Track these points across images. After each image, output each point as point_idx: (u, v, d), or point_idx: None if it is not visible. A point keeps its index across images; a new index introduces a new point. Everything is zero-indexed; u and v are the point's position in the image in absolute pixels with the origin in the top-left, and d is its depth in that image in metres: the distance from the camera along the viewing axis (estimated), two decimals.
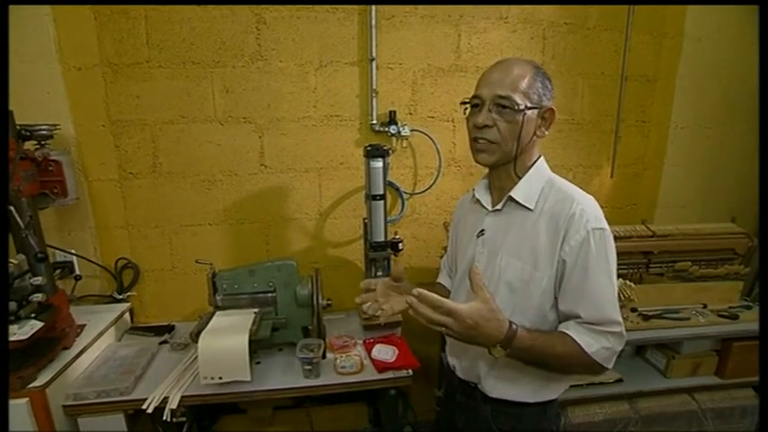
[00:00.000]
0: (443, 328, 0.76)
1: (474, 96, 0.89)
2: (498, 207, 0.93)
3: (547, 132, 0.90)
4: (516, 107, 0.83)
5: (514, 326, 0.79)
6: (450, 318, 0.74)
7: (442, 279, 1.20)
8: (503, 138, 0.86)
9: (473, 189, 1.03)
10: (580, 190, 0.88)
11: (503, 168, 0.92)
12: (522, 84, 0.84)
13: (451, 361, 1.04)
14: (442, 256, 1.25)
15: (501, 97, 0.84)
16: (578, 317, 0.82)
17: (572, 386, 1.49)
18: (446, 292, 1.16)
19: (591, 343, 0.81)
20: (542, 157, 0.94)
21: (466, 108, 0.92)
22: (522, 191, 0.89)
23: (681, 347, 1.59)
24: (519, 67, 0.86)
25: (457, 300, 1.01)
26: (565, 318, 0.86)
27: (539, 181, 0.90)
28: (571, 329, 0.82)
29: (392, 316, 1.47)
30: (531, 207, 0.88)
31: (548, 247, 0.84)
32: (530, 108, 0.84)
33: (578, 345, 0.80)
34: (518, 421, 0.93)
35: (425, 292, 0.74)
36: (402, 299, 1.02)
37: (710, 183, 1.94)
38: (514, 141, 0.86)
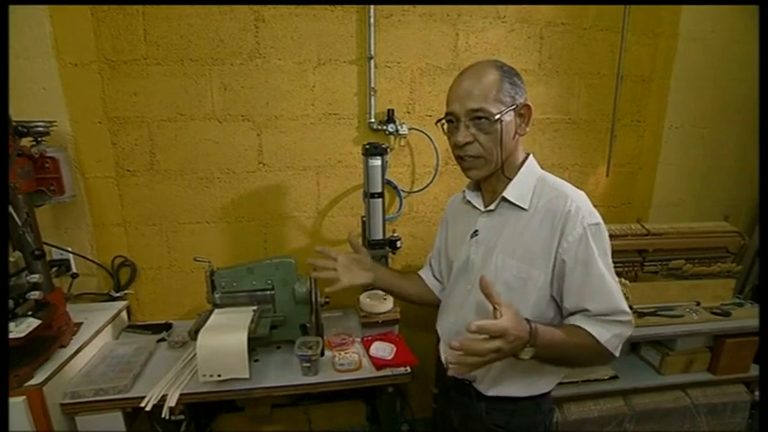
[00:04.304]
0: (494, 354, 0.72)
1: (447, 113, 0.89)
2: (491, 207, 0.93)
3: (528, 129, 0.89)
4: (492, 117, 0.83)
5: (532, 322, 0.77)
6: (501, 339, 0.71)
7: (424, 273, 1.21)
8: (486, 150, 0.86)
9: (463, 190, 1.04)
10: (571, 185, 0.89)
11: (493, 175, 0.92)
12: (492, 90, 0.83)
13: (444, 357, 1.04)
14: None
15: (474, 110, 0.84)
16: (586, 311, 0.83)
17: (567, 383, 1.53)
18: (423, 284, 1.18)
19: (603, 333, 0.82)
20: (531, 156, 0.94)
21: (444, 125, 0.92)
22: (514, 191, 0.90)
23: (675, 344, 1.61)
24: (485, 74, 0.84)
25: (452, 299, 1.02)
26: (571, 313, 0.86)
27: (530, 179, 0.91)
28: (582, 322, 0.83)
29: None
30: (525, 206, 0.88)
31: (544, 244, 0.85)
32: (505, 112, 0.84)
33: (592, 336, 0.81)
34: (512, 417, 0.94)
35: (482, 323, 0.69)
36: (363, 273, 1.08)
37: (704, 182, 1.96)
38: (498, 149, 0.86)
